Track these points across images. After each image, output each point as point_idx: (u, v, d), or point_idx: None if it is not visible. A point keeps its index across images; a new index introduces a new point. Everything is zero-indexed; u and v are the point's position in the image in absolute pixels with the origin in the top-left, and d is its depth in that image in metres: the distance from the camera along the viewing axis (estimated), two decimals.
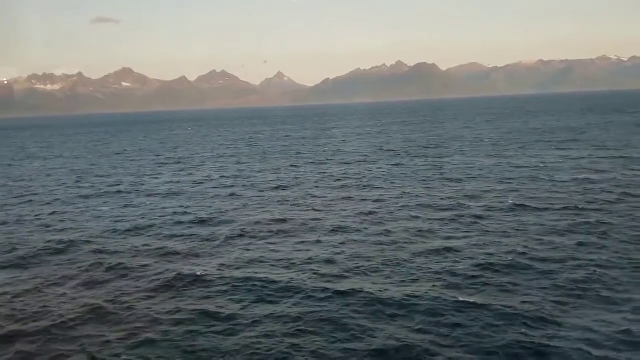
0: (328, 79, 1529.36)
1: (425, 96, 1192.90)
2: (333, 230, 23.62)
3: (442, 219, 24.88)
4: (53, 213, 29.91)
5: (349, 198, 31.05)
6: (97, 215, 29.10)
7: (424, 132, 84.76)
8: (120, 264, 20.18)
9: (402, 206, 28.12)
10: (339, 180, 37.97)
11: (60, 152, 76.97)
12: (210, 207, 30.06)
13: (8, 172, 51.52)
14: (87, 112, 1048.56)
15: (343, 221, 25.35)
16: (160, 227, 25.69)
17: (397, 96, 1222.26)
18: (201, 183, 39.29)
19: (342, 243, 21.65)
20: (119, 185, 40.10)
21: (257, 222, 25.72)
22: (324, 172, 42.30)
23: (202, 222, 26.38)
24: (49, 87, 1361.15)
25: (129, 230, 25.24)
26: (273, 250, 21.10)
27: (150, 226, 26.01)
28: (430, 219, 25.02)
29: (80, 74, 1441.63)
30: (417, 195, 30.74)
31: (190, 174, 44.75)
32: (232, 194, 33.84)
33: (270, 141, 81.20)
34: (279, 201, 31.07)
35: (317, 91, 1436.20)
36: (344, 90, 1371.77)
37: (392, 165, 44.88)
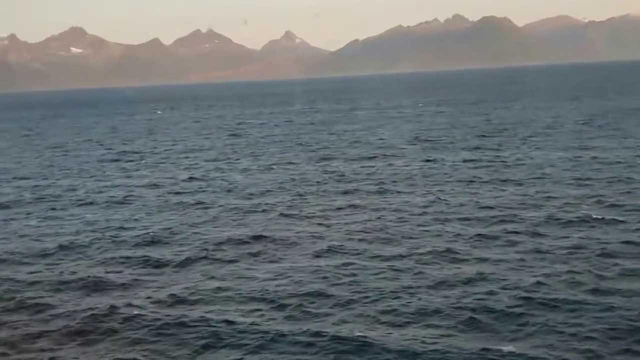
0: (357, 40, 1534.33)
1: (492, 63, 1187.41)
2: (329, 251, 23.98)
3: (484, 236, 25.05)
4: None
5: (359, 206, 31.46)
6: (14, 230, 29.92)
7: (482, 114, 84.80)
8: (34, 297, 20.81)
9: (430, 218, 28.39)
10: (350, 182, 38.46)
11: None
12: (168, 220, 30.70)
13: None
14: (22, 90, 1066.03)
15: (345, 238, 25.72)
16: (97, 248, 26.36)
17: (453, 63, 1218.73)
18: (159, 187, 40.05)
19: (340, 268, 21.97)
20: (49, 190, 41.08)
21: (228, 240, 26.23)
22: (332, 171, 42.82)
23: (153, 240, 27.01)
24: None
25: (53, 252, 25.94)
26: (244, 279, 21.52)
27: (83, 246, 26.71)
28: (467, 236, 25.21)
29: (12, 36, 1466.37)
30: (454, 204, 30.96)
31: (146, 175, 45.60)
32: (200, 202, 34.49)
33: (266, 128, 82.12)
34: (262, 211, 31.60)
35: (340, 57, 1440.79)
36: (378, 56, 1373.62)
37: (427, 160, 45.17)
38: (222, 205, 33.30)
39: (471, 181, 36.62)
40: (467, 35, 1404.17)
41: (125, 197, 37.22)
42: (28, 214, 34.01)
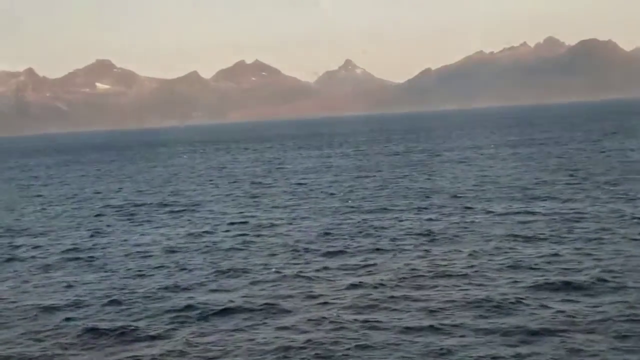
0: (429, 69, 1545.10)
1: (593, 94, 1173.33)
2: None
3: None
4: None
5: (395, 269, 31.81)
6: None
7: (562, 156, 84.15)
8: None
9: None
10: (391, 238, 38.67)
11: None
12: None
13: None
14: (39, 132, 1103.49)
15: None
16: (126, 310, 27.45)
17: (545, 95, 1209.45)
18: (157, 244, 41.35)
19: None
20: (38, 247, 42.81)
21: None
22: (371, 223, 43.43)
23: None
24: None
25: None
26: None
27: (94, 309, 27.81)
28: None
29: (30, 71, 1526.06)
30: (496, 261, 31.09)
31: (143, 233, 47.05)
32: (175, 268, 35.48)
33: (307, 173, 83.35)
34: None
35: (410, 89, 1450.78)
36: (454, 87, 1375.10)
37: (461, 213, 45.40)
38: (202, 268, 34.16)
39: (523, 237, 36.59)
40: (563, 62, 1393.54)
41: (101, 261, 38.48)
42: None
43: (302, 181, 74.65)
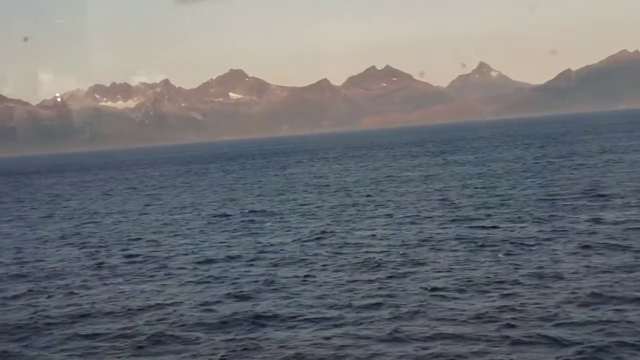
0: (569, 70, 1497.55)
1: None
2: None
3: None
4: None
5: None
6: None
7: None
8: None
9: None
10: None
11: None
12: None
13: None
14: (177, 142, 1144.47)
15: None
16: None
17: None
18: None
19: None
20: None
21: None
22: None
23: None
24: (119, 104, 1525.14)
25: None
26: None
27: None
28: None
29: (166, 82, 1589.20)
30: None
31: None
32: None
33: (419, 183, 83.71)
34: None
35: (548, 92, 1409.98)
36: (597, 89, 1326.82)
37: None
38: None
39: None
40: None
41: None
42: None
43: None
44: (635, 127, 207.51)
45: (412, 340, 24.69)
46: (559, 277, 31.71)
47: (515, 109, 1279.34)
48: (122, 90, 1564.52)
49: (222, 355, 24.56)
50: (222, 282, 35.85)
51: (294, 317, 28.60)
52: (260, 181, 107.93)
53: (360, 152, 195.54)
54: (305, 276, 35.68)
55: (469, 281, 32.18)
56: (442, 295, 30.21)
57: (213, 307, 31.06)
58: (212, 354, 24.80)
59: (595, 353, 22.12)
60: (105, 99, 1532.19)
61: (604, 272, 31.90)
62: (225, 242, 48.68)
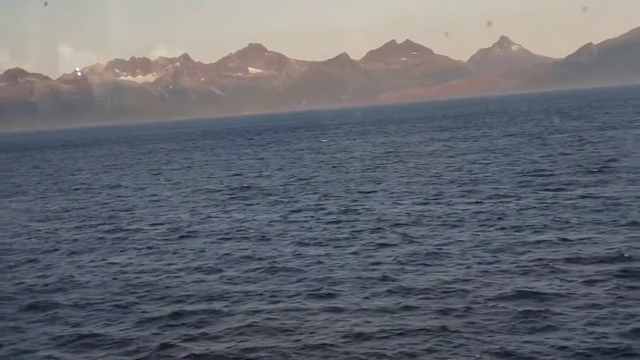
0: (590, 44, 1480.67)
1: None
2: None
3: None
4: None
5: None
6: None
7: None
8: None
9: None
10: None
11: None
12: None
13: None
14: (197, 117, 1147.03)
15: None
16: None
17: None
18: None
19: None
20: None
21: None
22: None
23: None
24: (139, 78, 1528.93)
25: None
26: None
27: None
28: None
29: (185, 56, 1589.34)
30: None
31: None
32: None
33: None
34: None
35: (569, 66, 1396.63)
36: (619, 63, 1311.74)
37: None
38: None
39: None
40: None
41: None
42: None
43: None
44: None
45: (377, 314, 25.36)
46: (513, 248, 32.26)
47: (537, 84, 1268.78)
48: (142, 64, 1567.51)
49: (183, 324, 25.39)
50: (189, 256, 36.76)
51: (252, 292, 29.29)
52: (262, 158, 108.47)
53: (370, 128, 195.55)
54: (276, 251, 36.45)
55: (431, 254, 32.92)
56: (407, 268, 30.89)
57: (177, 279, 31.92)
58: (169, 325, 25.57)
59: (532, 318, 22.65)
60: (125, 74, 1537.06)
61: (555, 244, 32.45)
62: (206, 217, 49.69)
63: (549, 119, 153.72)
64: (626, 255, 30.03)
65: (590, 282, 26.82)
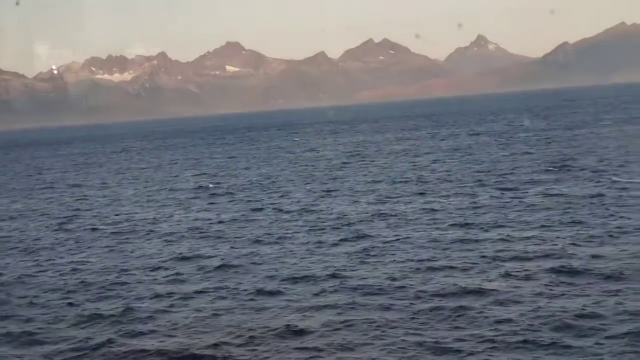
0: (566, 43, 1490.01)
1: None
2: None
3: None
4: None
5: None
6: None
7: None
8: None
9: None
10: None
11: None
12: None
13: None
14: (175, 115, 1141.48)
15: None
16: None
17: None
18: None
19: None
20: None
21: None
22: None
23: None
24: (115, 76, 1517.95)
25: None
26: None
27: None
28: None
29: (163, 54, 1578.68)
30: None
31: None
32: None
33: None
34: None
35: (546, 65, 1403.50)
36: (594, 62, 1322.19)
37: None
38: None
39: None
40: None
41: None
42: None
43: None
44: (615, 102, 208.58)
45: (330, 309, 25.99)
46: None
47: (514, 83, 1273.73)
48: (118, 62, 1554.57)
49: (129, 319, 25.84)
50: (146, 254, 37.27)
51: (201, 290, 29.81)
52: (234, 157, 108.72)
53: (343, 127, 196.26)
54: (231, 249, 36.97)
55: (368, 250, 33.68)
56: (357, 266, 31.57)
57: (131, 277, 32.41)
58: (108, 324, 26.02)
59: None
60: (101, 72, 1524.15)
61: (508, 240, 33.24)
62: (167, 216, 50.22)
63: (519, 119, 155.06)
64: (569, 252, 30.94)
65: (529, 278, 27.66)
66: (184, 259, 35.60)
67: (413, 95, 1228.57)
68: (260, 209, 49.77)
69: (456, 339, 21.97)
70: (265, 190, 60.70)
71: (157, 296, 29.10)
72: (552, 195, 45.62)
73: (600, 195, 43.95)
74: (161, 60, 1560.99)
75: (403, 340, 22.31)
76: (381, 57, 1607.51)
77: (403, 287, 27.82)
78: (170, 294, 29.21)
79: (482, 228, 37.31)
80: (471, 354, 20.86)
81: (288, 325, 24.31)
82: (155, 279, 31.92)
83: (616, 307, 23.56)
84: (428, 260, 31.62)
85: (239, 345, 23.01)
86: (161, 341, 23.87)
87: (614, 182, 48.77)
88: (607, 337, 21.23)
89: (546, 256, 30.66)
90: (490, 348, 21.19)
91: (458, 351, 21.16)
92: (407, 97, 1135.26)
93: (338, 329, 23.74)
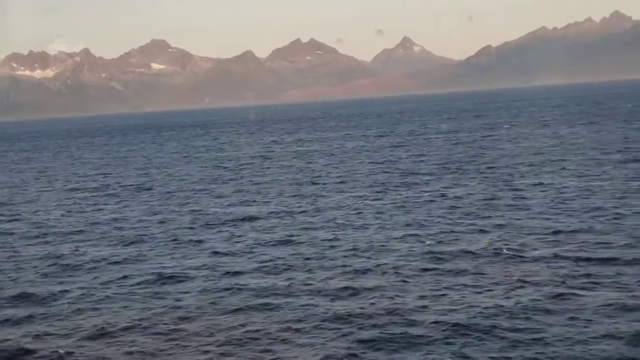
0: (489, 46, 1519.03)
1: None
2: None
3: None
4: None
5: None
6: None
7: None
8: None
9: None
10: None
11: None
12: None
13: None
14: (97, 112, 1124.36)
15: None
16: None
17: (612, 72, 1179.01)
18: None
19: None
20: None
21: None
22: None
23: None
24: (37, 73, 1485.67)
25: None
26: None
27: None
28: None
29: (86, 51, 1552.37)
30: None
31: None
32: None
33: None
34: None
35: (469, 67, 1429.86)
36: (516, 65, 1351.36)
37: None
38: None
39: None
40: (629, 37, 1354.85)
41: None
42: None
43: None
44: (525, 105, 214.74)
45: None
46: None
47: (439, 85, 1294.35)
48: (40, 58, 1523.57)
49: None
50: (38, 256, 37.16)
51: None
52: (144, 157, 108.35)
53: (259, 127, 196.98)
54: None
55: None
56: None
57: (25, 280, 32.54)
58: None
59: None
60: (22, 68, 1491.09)
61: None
62: (65, 215, 50.35)
63: (437, 122, 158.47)
64: (434, 250, 32.38)
65: (420, 275, 28.90)
66: (53, 257, 35.98)
67: (340, 96, 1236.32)
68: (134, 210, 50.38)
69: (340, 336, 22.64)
70: (165, 192, 60.65)
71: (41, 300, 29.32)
72: (446, 196, 47.38)
73: (489, 196, 46.18)
74: (84, 56, 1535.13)
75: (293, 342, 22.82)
76: (308, 57, 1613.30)
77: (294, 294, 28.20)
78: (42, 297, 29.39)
79: (361, 227, 38.68)
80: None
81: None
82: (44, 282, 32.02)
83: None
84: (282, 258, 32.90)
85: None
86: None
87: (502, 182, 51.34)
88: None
89: (434, 254, 31.96)
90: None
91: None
92: (334, 97, 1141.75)
93: (252, 330, 24.27)
